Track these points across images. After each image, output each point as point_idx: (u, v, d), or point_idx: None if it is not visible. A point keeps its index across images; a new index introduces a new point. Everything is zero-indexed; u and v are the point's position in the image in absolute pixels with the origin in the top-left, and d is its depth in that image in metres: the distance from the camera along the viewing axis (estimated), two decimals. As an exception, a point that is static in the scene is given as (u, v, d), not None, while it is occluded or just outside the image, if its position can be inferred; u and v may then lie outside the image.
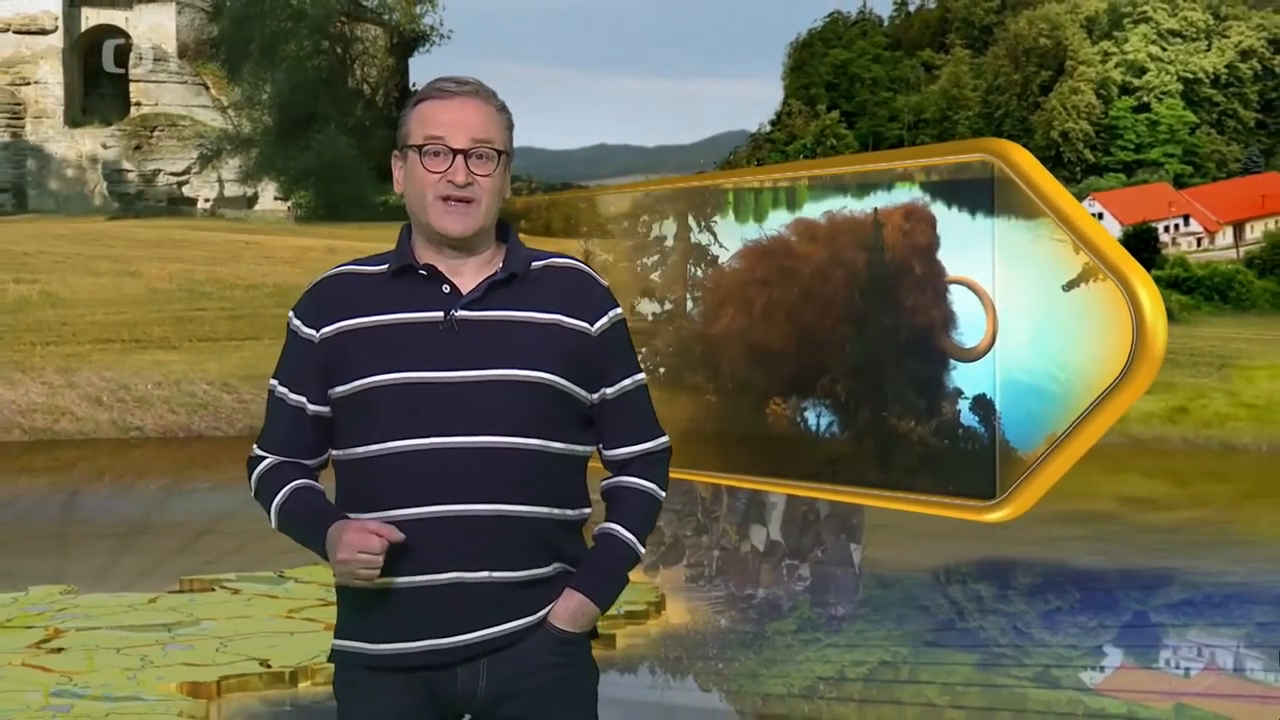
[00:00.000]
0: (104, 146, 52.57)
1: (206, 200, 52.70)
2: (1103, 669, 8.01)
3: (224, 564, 9.48)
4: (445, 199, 2.59)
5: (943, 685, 7.14)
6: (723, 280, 7.17)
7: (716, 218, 7.20)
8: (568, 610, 2.62)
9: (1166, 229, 37.43)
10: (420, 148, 2.59)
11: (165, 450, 18.82)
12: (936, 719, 6.63)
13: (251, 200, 52.86)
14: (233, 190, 52.85)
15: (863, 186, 6.23)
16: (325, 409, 2.65)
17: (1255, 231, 37.04)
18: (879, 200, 6.13)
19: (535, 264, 2.66)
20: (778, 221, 6.74)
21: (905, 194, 6.01)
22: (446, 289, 2.60)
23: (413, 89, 60.55)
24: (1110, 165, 45.52)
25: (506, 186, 2.66)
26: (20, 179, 52.70)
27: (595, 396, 2.68)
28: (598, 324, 2.65)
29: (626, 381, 2.71)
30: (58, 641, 7.31)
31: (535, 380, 2.57)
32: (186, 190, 52.74)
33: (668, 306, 7.59)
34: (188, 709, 6.12)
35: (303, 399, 2.67)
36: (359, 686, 2.63)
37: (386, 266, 2.65)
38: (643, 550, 2.71)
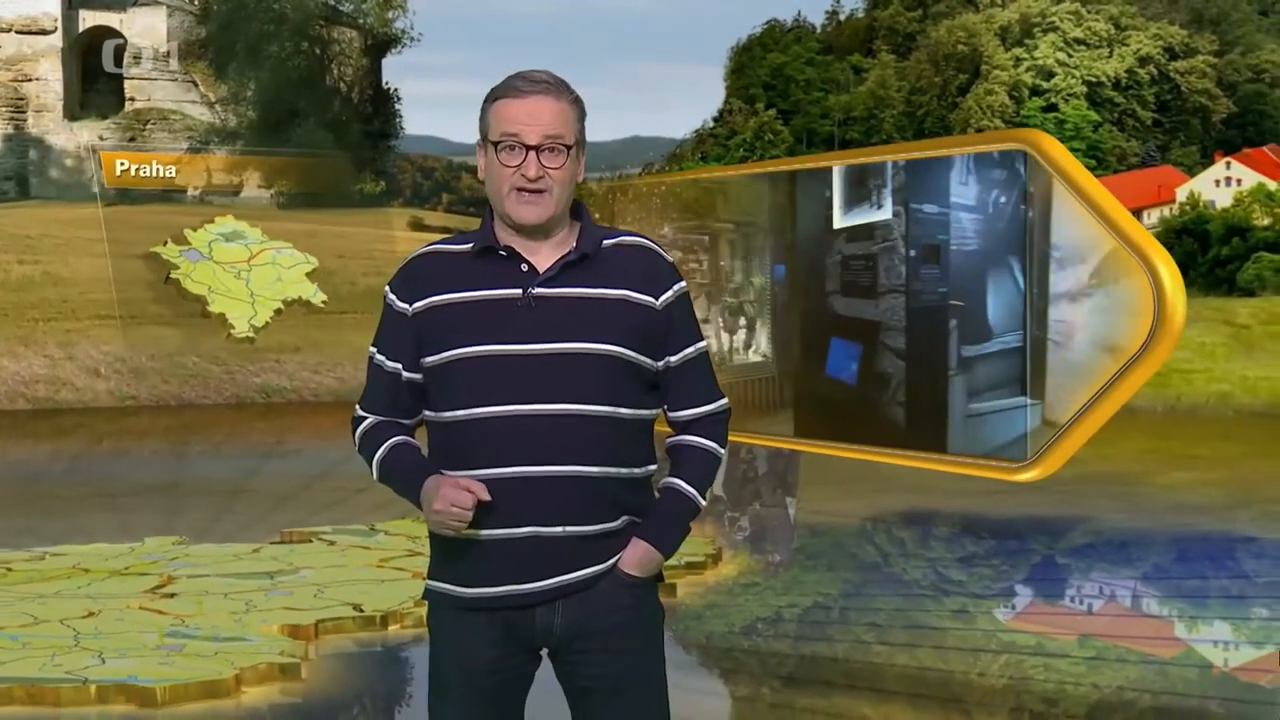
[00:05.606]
0: (101, 138, 52.02)
1: (195, 188, 52.29)
2: (1014, 606, 8.08)
3: (318, 518, 9.54)
4: (519, 190, 2.60)
5: (869, 625, 7.17)
6: None
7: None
8: (635, 557, 2.67)
9: (1072, 217, 37.67)
10: (497, 144, 2.61)
11: (159, 417, 18.72)
12: (865, 653, 6.66)
13: (237, 189, 52.48)
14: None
15: None
16: (419, 375, 2.68)
17: (1152, 218, 37.39)
18: None
19: (606, 242, 2.67)
20: None
21: None
22: (525, 268, 2.62)
23: (385, 87, 60.21)
24: (1021, 159, 45.74)
25: (580, 172, 2.67)
26: (23, 168, 52.11)
27: (660, 364, 2.69)
28: (662, 298, 2.66)
29: (689, 350, 2.72)
30: (171, 587, 7.41)
31: (605, 353, 2.59)
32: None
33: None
34: (288, 649, 6.21)
35: (399, 366, 2.70)
36: (448, 622, 2.71)
37: (471, 246, 2.67)
38: (703, 502, 2.75)
